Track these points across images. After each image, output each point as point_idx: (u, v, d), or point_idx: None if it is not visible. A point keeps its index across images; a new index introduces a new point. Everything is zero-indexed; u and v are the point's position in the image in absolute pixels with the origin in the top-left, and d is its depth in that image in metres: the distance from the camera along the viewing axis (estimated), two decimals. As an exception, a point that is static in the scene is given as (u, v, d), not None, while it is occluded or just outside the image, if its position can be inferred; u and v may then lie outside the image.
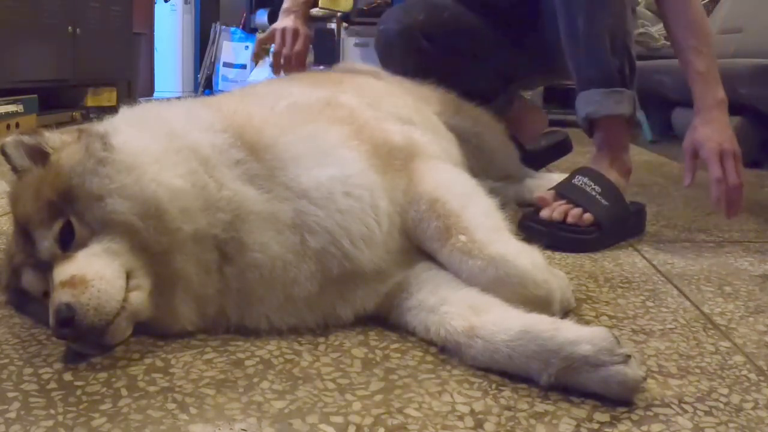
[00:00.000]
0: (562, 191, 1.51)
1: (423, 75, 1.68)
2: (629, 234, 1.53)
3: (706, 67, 1.49)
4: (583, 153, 2.95)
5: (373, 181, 0.97)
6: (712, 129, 1.45)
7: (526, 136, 1.92)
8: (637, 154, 3.08)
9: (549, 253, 1.37)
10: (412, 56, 1.79)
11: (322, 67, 1.81)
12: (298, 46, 1.76)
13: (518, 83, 2.08)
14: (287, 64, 1.77)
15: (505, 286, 0.92)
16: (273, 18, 6.22)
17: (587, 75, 1.54)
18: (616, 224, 1.48)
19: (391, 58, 1.85)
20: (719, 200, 1.43)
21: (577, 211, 1.45)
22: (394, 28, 1.87)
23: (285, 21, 1.79)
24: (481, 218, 0.99)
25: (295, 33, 1.77)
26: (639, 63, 1.58)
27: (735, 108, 2.82)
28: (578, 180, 1.51)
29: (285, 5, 1.87)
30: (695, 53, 1.50)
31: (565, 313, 1.00)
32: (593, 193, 1.48)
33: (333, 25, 6.07)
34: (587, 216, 1.44)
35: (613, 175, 1.55)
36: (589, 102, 1.54)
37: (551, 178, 1.81)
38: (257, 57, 1.91)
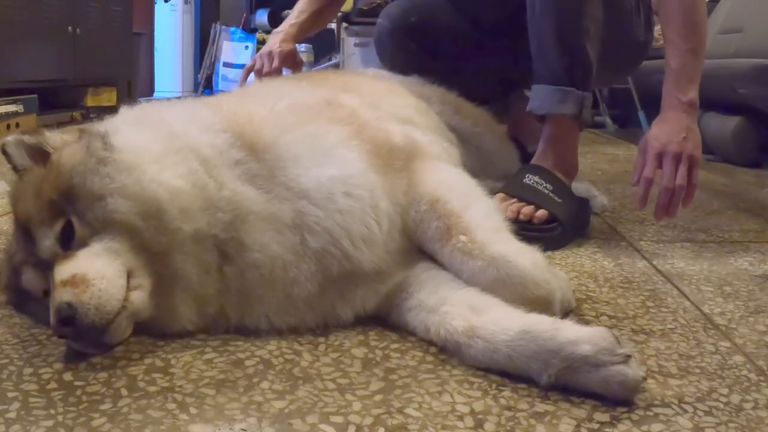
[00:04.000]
0: (513, 191, 1.49)
1: (415, 73, 1.73)
2: (583, 228, 1.54)
3: (680, 64, 1.42)
4: (584, 153, 2.96)
5: (374, 181, 0.97)
6: (662, 129, 1.40)
7: (527, 137, 1.92)
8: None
9: (549, 253, 1.37)
10: (400, 55, 1.89)
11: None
12: (275, 64, 1.95)
13: (520, 85, 2.09)
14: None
15: (505, 287, 0.92)
16: (272, 18, 6.25)
17: (538, 69, 1.52)
18: (573, 219, 1.49)
19: (383, 54, 2.00)
20: (643, 200, 1.39)
21: (529, 208, 1.44)
22: (387, 26, 1.98)
23: (266, 47, 2.00)
24: (481, 219, 0.99)
25: (270, 54, 1.96)
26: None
27: (735, 108, 2.84)
28: (528, 179, 1.49)
29: (277, 29, 2.07)
30: (672, 47, 1.43)
31: (566, 313, 1.00)
32: (546, 191, 1.47)
33: (333, 25, 6.07)
34: (540, 213, 1.44)
35: (557, 173, 1.53)
36: (536, 97, 1.53)
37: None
38: (242, 83, 2.10)
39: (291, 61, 1.98)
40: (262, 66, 1.95)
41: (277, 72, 1.95)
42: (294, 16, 2.04)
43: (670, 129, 1.40)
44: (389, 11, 2.03)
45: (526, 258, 0.95)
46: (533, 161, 1.57)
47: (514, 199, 1.47)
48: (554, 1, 1.46)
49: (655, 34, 4.69)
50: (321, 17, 2.11)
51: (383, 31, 1.99)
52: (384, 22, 2.00)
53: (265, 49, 2.00)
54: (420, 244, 1.01)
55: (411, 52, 1.88)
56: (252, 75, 2.02)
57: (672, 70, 1.43)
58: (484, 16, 1.92)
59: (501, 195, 1.48)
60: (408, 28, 1.92)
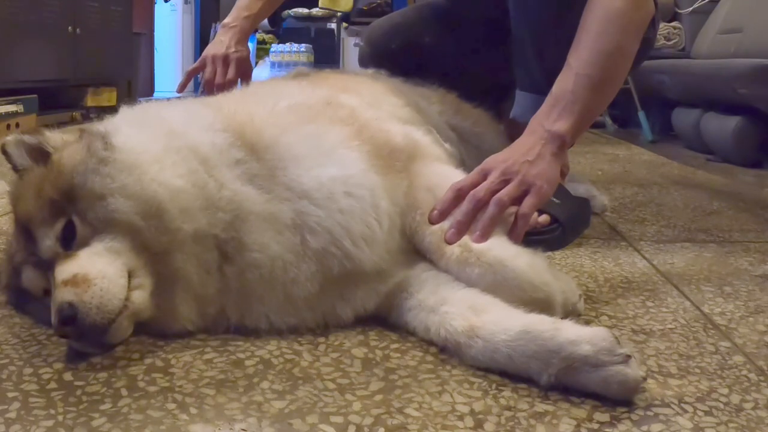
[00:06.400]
0: None
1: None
2: (583, 226, 1.53)
3: (563, 89, 1.17)
4: (584, 153, 2.96)
5: (374, 181, 0.97)
6: (505, 151, 1.13)
7: None
8: (637, 154, 3.08)
9: (549, 253, 1.37)
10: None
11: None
12: (230, 73, 1.68)
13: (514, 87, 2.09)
14: (219, 93, 1.61)
15: (503, 290, 0.92)
16: (273, 18, 6.24)
17: (520, 77, 1.49)
18: (572, 219, 1.47)
19: None
20: (440, 214, 0.99)
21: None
22: (368, 52, 1.93)
23: (216, 46, 1.72)
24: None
25: (225, 60, 1.69)
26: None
27: (735, 108, 2.84)
28: None
29: (226, 19, 1.77)
30: (565, 70, 1.20)
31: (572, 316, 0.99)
32: None
33: (333, 25, 6.07)
34: (543, 217, 1.43)
35: None
36: (519, 104, 1.50)
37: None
38: (182, 87, 1.78)
39: (245, 68, 1.73)
40: (214, 74, 1.67)
41: (231, 84, 1.67)
42: (245, 6, 1.76)
43: (513, 151, 1.12)
44: (370, 35, 1.98)
45: (523, 261, 0.94)
46: None
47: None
48: (532, 11, 1.42)
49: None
50: (275, 3, 1.86)
51: (365, 56, 1.94)
52: (365, 48, 1.96)
53: (216, 48, 1.70)
54: (417, 249, 1.01)
55: (397, 75, 1.73)
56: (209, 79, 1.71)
57: (551, 95, 1.18)
58: (470, 23, 1.88)
59: None
60: (389, 54, 1.86)
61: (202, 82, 1.71)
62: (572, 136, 1.16)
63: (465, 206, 0.99)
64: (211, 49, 1.72)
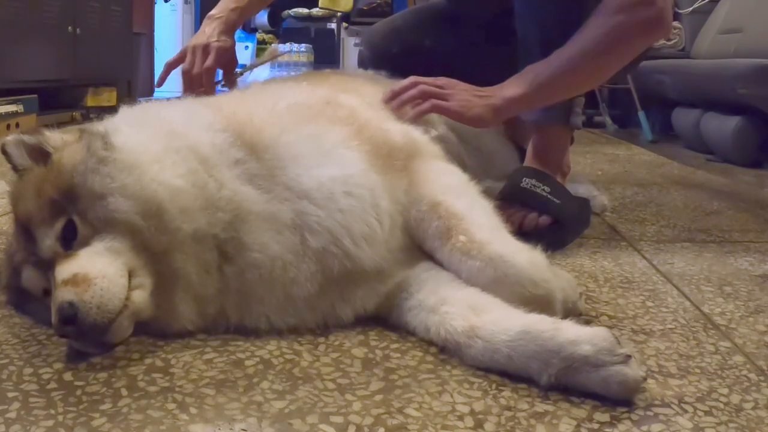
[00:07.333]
0: (512, 196, 1.46)
1: None
2: (583, 226, 1.53)
3: (535, 74, 1.33)
4: (584, 153, 2.96)
5: (374, 180, 0.97)
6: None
7: (522, 136, 1.91)
8: (637, 154, 3.08)
9: (549, 253, 1.36)
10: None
11: (225, 88, 1.66)
12: (208, 62, 1.58)
13: None
14: (196, 83, 1.59)
15: (503, 286, 0.92)
16: (272, 18, 6.25)
17: None
18: (573, 219, 1.47)
19: None
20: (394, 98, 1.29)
21: (532, 217, 1.42)
22: (368, 56, 1.93)
23: (198, 37, 1.64)
24: (482, 219, 1.00)
25: (205, 49, 1.60)
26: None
27: (735, 108, 2.84)
28: (526, 182, 1.47)
29: (212, 11, 1.69)
30: (551, 58, 1.33)
31: (573, 315, 0.99)
32: (544, 194, 1.45)
33: (333, 25, 6.08)
34: (544, 218, 1.43)
35: (552, 174, 1.50)
36: None
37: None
38: (161, 81, 1.68)
39: (227, 59, 1.63)
40: (192, 64, 1.59)
41: (209, 72, 1.58)
42: None
43: (471, 86, 1.34)
44: (370, 39, 1.97)
45: (524, 257, 0.95)
46: (526, 163, 1.56)
47: (516, 206, 1.44)
48: (541, 11, 1.43)
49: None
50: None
51: (366, 60, 1.94)
52: (365, 51, 1.96)
53: (198, 39, 1.62)
54: (420, 242, 1.01)
55: (397, 77, 1.68)
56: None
57: (524, 72, 1.35)
58: (470, 24, 1.87)
59: (498, 203, 1.46)
60: (390, 58, 1.85)
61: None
62: (508, 105, 1.33)
63: (410, 91, 1.30)
64: (192, 41, 1.65)
